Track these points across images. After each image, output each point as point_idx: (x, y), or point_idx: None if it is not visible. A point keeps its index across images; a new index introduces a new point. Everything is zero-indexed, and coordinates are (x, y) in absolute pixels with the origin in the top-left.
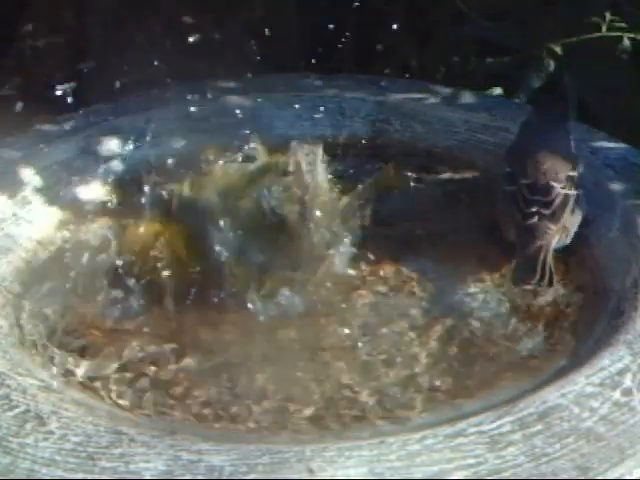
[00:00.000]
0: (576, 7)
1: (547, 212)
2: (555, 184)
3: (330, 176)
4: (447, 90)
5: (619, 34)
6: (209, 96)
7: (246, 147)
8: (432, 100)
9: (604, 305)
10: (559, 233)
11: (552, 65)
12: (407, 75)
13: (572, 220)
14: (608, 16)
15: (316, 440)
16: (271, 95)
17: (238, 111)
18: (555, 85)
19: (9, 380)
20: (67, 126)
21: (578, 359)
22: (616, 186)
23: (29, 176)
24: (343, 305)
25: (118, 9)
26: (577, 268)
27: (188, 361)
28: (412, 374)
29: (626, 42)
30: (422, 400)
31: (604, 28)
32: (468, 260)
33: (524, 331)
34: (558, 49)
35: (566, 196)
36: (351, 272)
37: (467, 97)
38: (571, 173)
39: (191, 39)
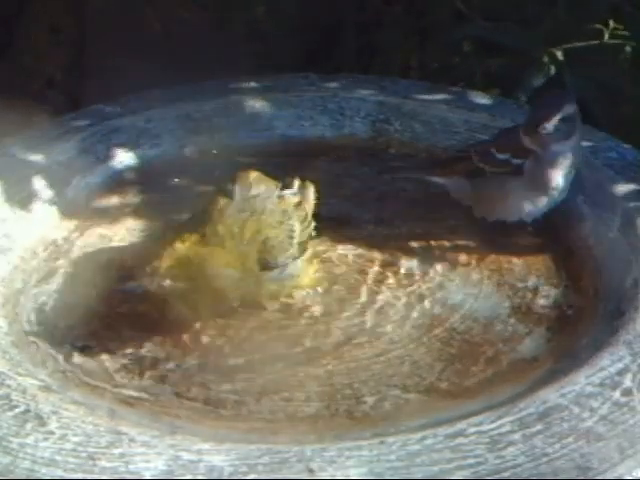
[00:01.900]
0: (577, 9)
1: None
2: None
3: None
4: (447, 90)
5: (621, 42)
6: (209, 96)
7: None
8: (432, 100)
9: (604, 305)
10: None
11: (552, 69)
12: (407, 75)
13: None
14: (611, 24)
15: (316, 440)
16: (271, 95)
17: (238, 111)
18: (555, 85)
19: (9, 380)
20: (67, 126)
21: (578, 359)
22: (616, 186)
23: (29, 176)
24: (342, 305)
25: (118, 9)
26: (577, 268)
27: (188, 361)
28: (412, 374)
29: (628, 50)
30: (422, 400)
31: (606, 35)
32: (468, 260)
33: (524, 331)
34: (559, 54)
35: None
36: (350, 272)
37: (467, 97)
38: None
39: (192, 39)
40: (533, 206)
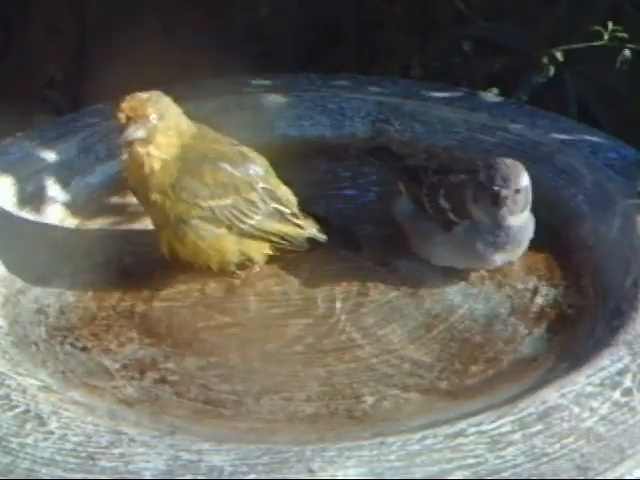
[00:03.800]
0: (577, 10)
1: None
2: None
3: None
4: (447, 90)
5: (620, 44)
6: (209, 96)
7: None
8: (432, 100)
9: (604, 305)
10: None
11: (552, 69)
12: (407, 75)
13: None
14: (610, 25)
15: (316, 440)
16: (271, 95)
17: (238, 111)
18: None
19: (9, 380)
20: (67, 126)
21: (578, 359)
22: (616, 186)
23: (29, 176)
24: (342, 305)
25: (118, 9)
26: (577, 268)
27: (189, 360)
28: (412, 374)
29: (627, 53)
30: (422, 400)
31: (606, 36)
32: None
33: (524, 331)
34: (559, 55)
35: None
36: (350, 272)
37: (467, 97)
38: None
39: (192, 39)
40: (457, 265)
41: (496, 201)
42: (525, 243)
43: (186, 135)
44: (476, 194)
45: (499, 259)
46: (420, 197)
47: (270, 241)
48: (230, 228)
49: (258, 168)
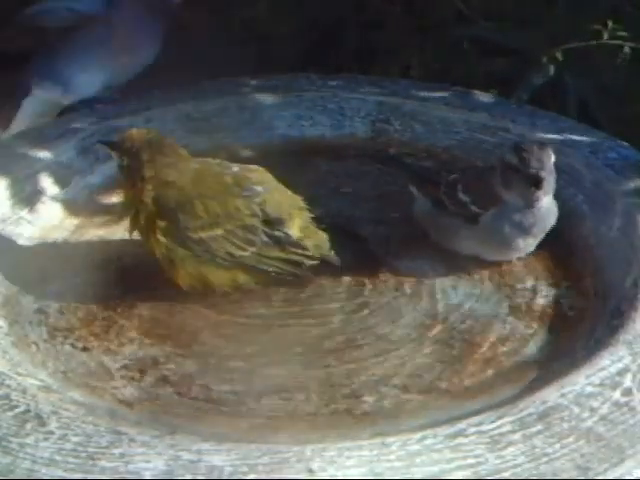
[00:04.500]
0: (576, 10)
1: None
2: None
3: None
4: (447, 90)
5: (620, 42)
6: (209, 96)
7: None
8: (432, 100)
9: (604, 305)
10: None
11: (552, 69)
12: (407, 75)
13: None
14: (610, 24)
15: (316, 440)
16: (271, 95)
17: (238, 111)
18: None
19: (9, 380)
20: (67, 126)
21: (578, 359)
22: (616, 186)
23: (29, 176)
24: (342, 305)
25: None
26: (577, 268)
27: (189, 360)
28: (412, 374)
29: (626, 50)
30: (422, 400)
31: (605, 35)
32: (468, 260)
33: (524, 331)
34: (559, 54)
35: None
36: (350, 272)
37: (467, 97)
38: None
39: (192, 39)
40: (487, 256)
41: (535, 182)
42: (549, 228)
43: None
44: (507, 179)
45: (527, 244)
46: (438, 196)
47: (269, 270)
48: (224, 259)
49: (259, 188)
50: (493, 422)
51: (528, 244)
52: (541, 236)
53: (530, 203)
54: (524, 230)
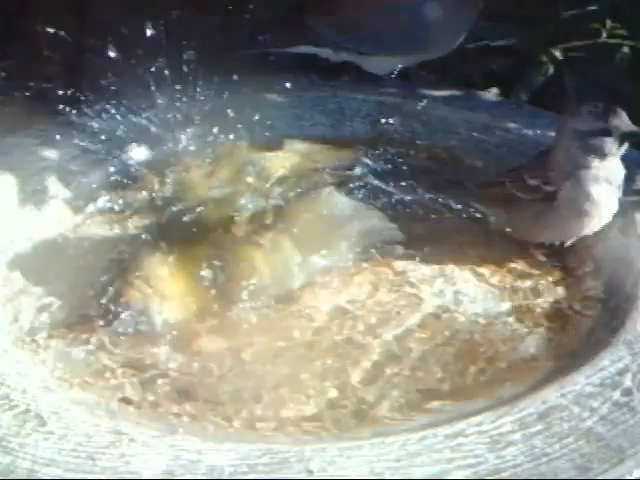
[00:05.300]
0: (576, 10)
1: None
2: None
3: None
4: (447, 90)
5: (619, 41)
6: (209, 96)
7: None
8: (432, 100)
9: (604, 305)
10: None
11: (552, 69)
12: (407, 75)
13: None
14: (609, 23)
15: (316, 440)
16: (271, 95)
17: (238, 111)
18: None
19: (9, 380)
20: (67, 126)
21: (578, 359)
22: None
23: (29, 176)
24: (343, 305)
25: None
26: (577, 268)
27: (189, 360)
28: (412, 374)
29: (625, 50)
30: (422, 400)
31: (604, 34)
32: (468, 259)
33: (524, 331)
34: (558, 53)
35: None
36: (350, 272)
37: (467, 97)
38: None
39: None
40: (576, 231)
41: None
42: (621, 180)
43: None
44: (587, 143)
45: (612, 199)
46: (508, 194)
47: None
48: None
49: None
50: (493, 422)
51: (614, 197)
52: (620, 190)
53: (613, 157)
54: (606, 180)
